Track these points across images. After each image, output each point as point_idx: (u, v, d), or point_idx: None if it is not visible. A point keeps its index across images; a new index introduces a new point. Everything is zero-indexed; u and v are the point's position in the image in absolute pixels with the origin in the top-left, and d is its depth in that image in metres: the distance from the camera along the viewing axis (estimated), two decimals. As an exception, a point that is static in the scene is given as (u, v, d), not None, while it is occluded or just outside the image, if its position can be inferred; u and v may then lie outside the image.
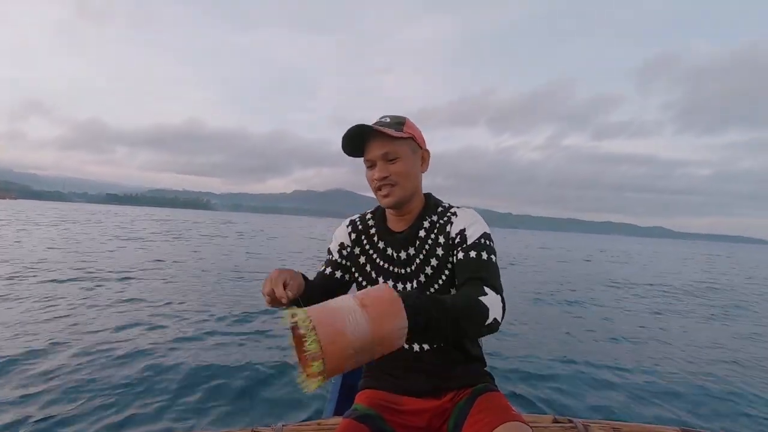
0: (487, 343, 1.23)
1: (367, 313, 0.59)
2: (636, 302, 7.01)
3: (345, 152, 1.04)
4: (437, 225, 1.08)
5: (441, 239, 1.05)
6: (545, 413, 1.22)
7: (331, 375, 0.56)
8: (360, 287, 1.13)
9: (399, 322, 0.61)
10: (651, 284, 9.88)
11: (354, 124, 0.97)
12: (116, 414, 2.08)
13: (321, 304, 0.61)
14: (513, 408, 0.95)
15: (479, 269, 0.95)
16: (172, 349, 3.11)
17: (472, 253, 0.99)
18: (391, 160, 1.01)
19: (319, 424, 1.13)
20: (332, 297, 0.74)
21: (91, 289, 5.35)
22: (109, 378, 2.50)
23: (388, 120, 1.03)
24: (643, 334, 4.56)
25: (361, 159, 1.07)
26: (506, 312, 0.91)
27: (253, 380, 2.58)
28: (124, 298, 4.86)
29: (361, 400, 1.06)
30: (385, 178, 1.01)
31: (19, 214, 26.23)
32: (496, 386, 1.07)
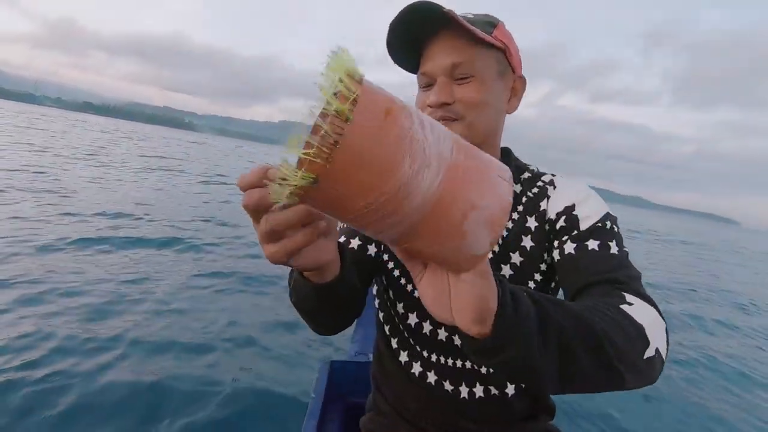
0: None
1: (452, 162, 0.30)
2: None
3: (391, 55, 0.64)
4: (523, 200, 0.70)
5: (531, 222, 0.68)
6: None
7: (326, 189, 0.27)
8: (382, 296, 0.77)
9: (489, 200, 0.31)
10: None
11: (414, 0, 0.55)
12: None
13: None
14: None
15: (611, 268, 0.57)
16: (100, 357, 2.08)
17: (592, 244, 0.61)
18: (461, 79, 0.61)
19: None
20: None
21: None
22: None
23: (472, 16, 0.63)
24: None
25: (413, 76, 0.67)
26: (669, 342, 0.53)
27: (221, 391, 1.98)
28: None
29: None
30: (445, 105, 0.61)
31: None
32: None
